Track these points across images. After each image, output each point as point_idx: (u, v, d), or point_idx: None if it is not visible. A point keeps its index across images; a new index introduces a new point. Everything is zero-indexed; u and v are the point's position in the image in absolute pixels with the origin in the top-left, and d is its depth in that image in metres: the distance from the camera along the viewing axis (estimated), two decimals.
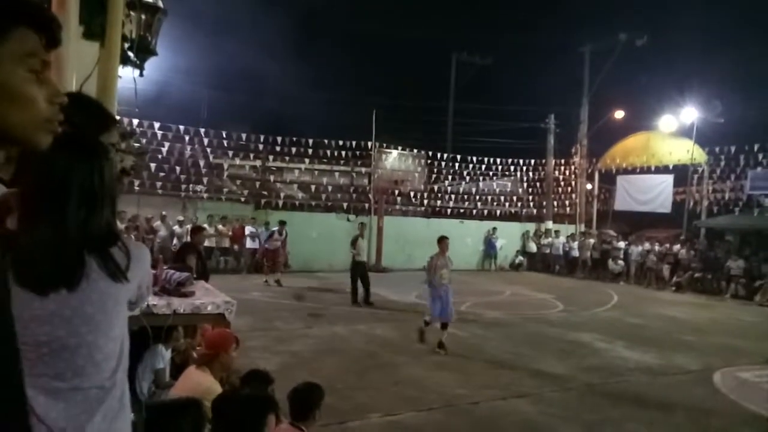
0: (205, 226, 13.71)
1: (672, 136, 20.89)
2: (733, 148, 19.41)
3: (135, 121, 15.31)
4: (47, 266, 1.12)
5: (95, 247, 1.19)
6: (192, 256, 7.06)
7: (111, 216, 1.28)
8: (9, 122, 0.79)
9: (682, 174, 20.57)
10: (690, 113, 20.12)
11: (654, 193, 21.01)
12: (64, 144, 1.07)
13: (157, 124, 16.82)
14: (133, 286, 1.27)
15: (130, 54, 3.96)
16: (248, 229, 16.29)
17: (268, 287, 13.24)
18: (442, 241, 8.17)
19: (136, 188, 15.40)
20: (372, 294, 11.64)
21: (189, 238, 8.94)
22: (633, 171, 22.02)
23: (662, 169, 20.94)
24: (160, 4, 3.99)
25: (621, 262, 18.56)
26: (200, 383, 3.34)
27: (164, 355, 4.54)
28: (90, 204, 1.19)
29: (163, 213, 15.56)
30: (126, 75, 4.48)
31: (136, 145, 14.66)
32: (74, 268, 1.14)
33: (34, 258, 1.08)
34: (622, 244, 19.19)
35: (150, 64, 4.69)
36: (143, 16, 3.95)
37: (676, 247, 17.97)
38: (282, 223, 14.66)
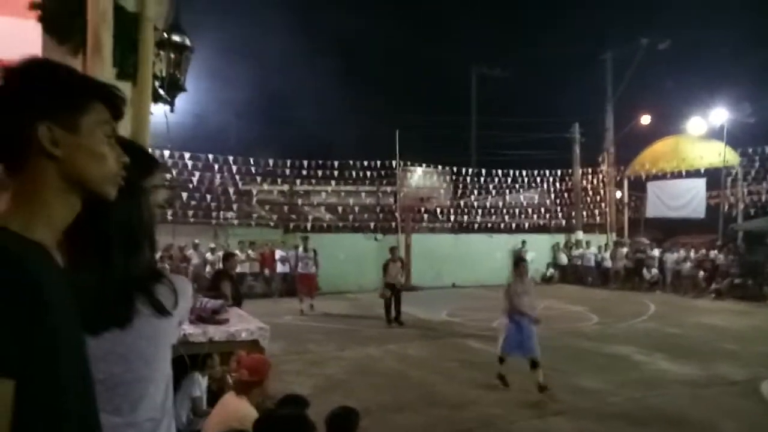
0: (237, 252, 13.93)
1: (701, 138, 20.44)
2: (767, 149, 18.90)
3: (166, 153, 15.76)
4: (96, 310, 1.16)
5: (140, 286, 1.25)
6: (226, 282, 7.19)
7: (151, 254, 1.34)
8: (88, 175, 0.98)
9: (714, 177, 20.06)
10: (719, 115, 19.65)
11: (687, 198, 20.53)
12: None
13: (187, 155, 17.29)
14: (178, 319, 1.34)
15: (161, 91, 4.12)
16: (278, 253, 16.49)
17: (301, 312, 13.28)
18: (519, 264, 7.27)
19: (170, 218, 15.79)
20: (402, 313, 11.63)
21: (221, 265, 9.11)
22: (663, 176, 21.60)
23: (694, 173, 20.45)
24: (188, 42, 4.15)
25: (656, 270, 18.13)
26: (237, 410, 3.39)
27: (201, 383, 4.62)
28: (131, 245, 1.24)
29: (196, 241, 15.89)
30: (157, 111, 4.66)
31: (167, 176, 15.10)
32: (122, 309, 1.20)
33: (82, 302, 1.12)
34: (656, 252, 18.76)
35: (179, 96, 4.88)
36: (172, 55, 4.11)
37: (713, 252, 17.47)
38: (305, 239, 14.26)
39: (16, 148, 0.92)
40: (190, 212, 17.09)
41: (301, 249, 14.02)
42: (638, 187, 23.05)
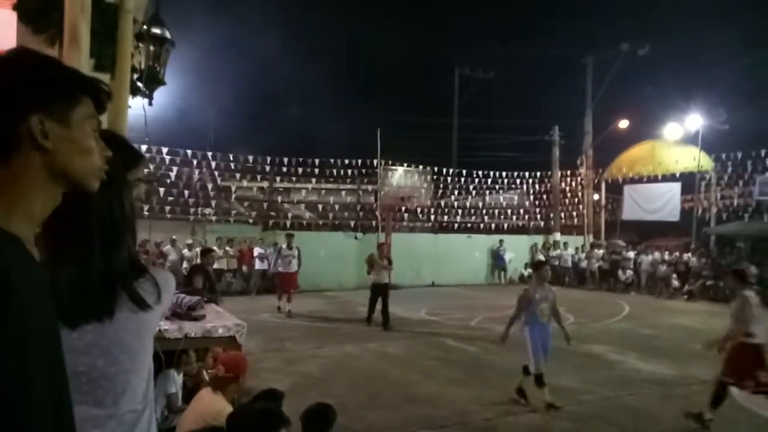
0: (215, 248, 13.77)
1: (677, 144, 20.88)
2: (739, 154, 19.38)
3: (143, 147, 15.52)
4: (75, 303, 1.15)
5: (121, 280, 1.23)
6: (199, 277, 7.13)
7: (132, 247, 1.33)
8: (74, 168, 0.98)
9: (689, 181, 20.52)
10: (694, 121, 20.12)
11: (662, 202, 20.94)
12: None
13: (165, 149, 17.05)
14: (161, 312, 1.33)
15: (140, 84, 4.07)
16: (257, 251, 16.37)
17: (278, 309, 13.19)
18: (540, 267, 6.61)
19: (146, 213, 15.55)
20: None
21: (199, 261, 9.03)
22: (640, 180, 21.99)
23: (669, 178, 20.90)
24: (168, 35, 4.11)
25: (631, 272, 18.45)
26: (213, 406, 3.37)
27: (176, 380, 4.58)
28: (113, 239, 1.23)
29: (173, 237, 15.69)
30: (135, 104, 4.60)
31: (145, 171, 14.91)
32: (103, 302, 1.19)
33: (62, 295, 1.10)
34: (631, 254, 19.10)
35: (158, 89, 4.82)
36: (152, 48, 4.07)
37: (687, 255, 17.86)
38: (289, 237, 13.72)
39: (6, 139, 0.92)
40: (168, 208, 16.87)
41: (284, 246, 13.75)
42: (615, 190, 23.43)
